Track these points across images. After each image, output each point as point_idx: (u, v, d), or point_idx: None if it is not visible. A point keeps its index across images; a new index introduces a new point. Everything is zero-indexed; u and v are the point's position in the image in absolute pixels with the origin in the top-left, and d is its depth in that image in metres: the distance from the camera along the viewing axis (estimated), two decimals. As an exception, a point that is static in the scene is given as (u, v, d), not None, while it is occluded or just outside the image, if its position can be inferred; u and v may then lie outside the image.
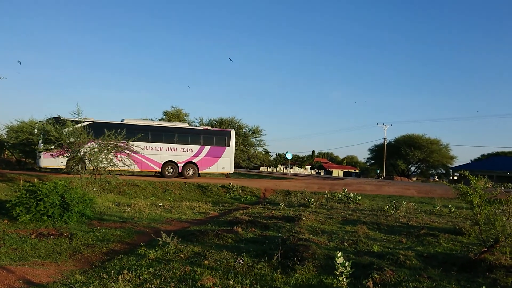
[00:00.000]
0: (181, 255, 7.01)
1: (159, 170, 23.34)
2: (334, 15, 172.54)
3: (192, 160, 24.25)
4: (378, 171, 60.86)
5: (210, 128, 27.65)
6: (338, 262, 5.54)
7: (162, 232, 7.83)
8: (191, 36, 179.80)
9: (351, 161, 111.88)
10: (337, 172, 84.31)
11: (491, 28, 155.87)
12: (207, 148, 24.68)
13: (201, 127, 27.84)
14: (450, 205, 15.11)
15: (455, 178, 58.73)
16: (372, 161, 72.90)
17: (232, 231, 9.13)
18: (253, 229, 9.72)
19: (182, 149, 23.90)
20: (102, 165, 16.36)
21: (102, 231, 9.30)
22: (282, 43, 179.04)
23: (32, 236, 8.36)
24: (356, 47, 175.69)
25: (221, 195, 19.77)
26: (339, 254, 5.66)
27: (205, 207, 15.48)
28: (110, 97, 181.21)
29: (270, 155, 75.82)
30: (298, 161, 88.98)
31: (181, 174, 24.10)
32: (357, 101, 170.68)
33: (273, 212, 13.07)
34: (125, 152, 17.61)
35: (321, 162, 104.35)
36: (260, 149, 35.25)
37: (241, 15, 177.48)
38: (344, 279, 5.48)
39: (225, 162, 25.29)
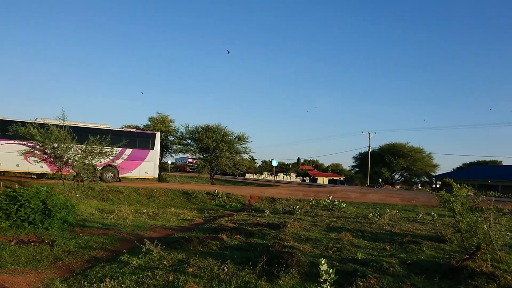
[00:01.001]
0: (165, 263, 6.94)
1: (75, 173, 20.25)
2: (319, 23, 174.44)
3: (112, 163, 22.33)
4: (380, 180, 61.14)
5: (133, 130, 26.18)
6: (322, 269, 5.55)
7: (145, 239, 7.74)
8: (178, 43, 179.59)
9: (336, 169, 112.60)
10: (322, 180, 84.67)
11: (472, 38, 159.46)
12: (128, 151, 23.24)
13: (123, 129, 26.05)
14: (432, 213, 15.29)
15: (438, 186, 59.58)
16: (357, 169, 73.63)
17: (216, 238, 9.09)
18: (238, 236, 9.69)
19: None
20: (86, 171, 16.18)
21: (84, 238, 9.15)
22: (267, 50, 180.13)
23: (12, 243, 8.17)
24: (341, 56, 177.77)
25: (206, 202, 19.68)
26: (323, 261, 5.67)
27: (190, 214, 15.38)
28: (97, 103, 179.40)
29: (255, 162, 75.78)
30: (283, 168, 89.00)
31: (100, 178, 21.61)
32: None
33: (258, 219, 13.05)
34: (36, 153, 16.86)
35: (306, 169, 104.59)
36: (245, 156, 35.22)
37: (228, 22, 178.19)
38: (328, 286, 5.48)
39: (149, 166, 24.13)
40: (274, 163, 41.76)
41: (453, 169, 74.62)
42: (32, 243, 8.30)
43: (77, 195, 16.80)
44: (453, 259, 7.75)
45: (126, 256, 7.31)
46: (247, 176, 68.57)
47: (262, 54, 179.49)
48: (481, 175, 57.04)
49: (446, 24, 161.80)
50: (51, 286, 5.67)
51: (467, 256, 7.31)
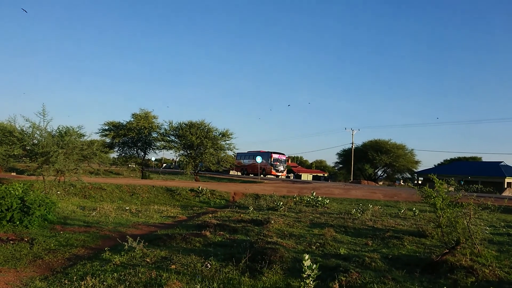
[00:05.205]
0: (148, 260, 6.88)
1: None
2: (302, 20, 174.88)
3: None
4: (462, 182, 53.32)
5: None
6: (305, 265, 5.57)
7: (128, 237, 7.67)
8: (162, 38, 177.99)
9: (320, 165, 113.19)
10: (306, 176, 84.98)
11: (456, 36, 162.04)
12: None
13: None
14: (414, 208, 15.50)
15: (420, 182, 60.50)
16: (341, 165, 74.12)
17: (200, 235, 9.06)
18: (222, 232, 9.67)
19: None
20: (68, 168, 15.91)
21: (65, 236, 9.01)
22: (252, 46, 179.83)
23: (-10, 242, 8.00)
24: (323, 53, 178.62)
25: (190, 199, 19.59)
26: (307, 257, 5.69)
27: (174, 211, 15.28)
28: (78, 98, 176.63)
29: (240, 158, 75.56)
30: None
31: None
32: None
33: (242, 215, 13.04)
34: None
35: (290, 166, 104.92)
36: (230, 153, 35.07)
37: (213, 20, 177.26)
38: (311, 282, 5.51)
39: None
40: (259, 160, 41.65)
41: (435, 165, 75.84)
42: (11, 241, 8.14)
43: (58, 192, 16.56)
44: (433, 253, 7.88)
45: (108, 254, 7.22)
46: (231, 172, 68.40)
47: (247, 50, 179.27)
48: (461, 171, 58.18)
49: (429, 23, 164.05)
50: (31, 285, 5.57)
51: (447, 251, 7.44)
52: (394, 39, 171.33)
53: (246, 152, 51.18)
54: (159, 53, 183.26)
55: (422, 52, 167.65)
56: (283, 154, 46.90)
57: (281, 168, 46.07)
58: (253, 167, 46.97)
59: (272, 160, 45.27)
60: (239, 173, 50.94)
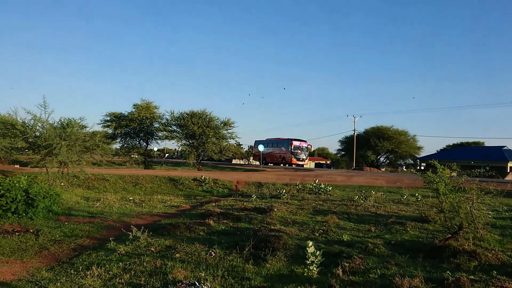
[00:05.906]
0: (152, 249, 6.94)
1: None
2: (303, 6, 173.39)
3: None
4: (488, 168, 54.28)
5: None
6: (308, 251, 5.62)
7: (132, 226, 7.72)
8: (163, 29, 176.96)
9: (322, 153, 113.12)
10: (309, 164, 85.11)
11: (456, 21, 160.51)
12: None
13: None
14: (417, 194, 15.49)
15: (422, 168, 60.48)
16: (343, 153, 74.11)
17: (204, 223, 9.12)
18: (225, 221, 9.73)
19: None
20: (71, 160, 15.95)
21: (70, 227, 9.08)
22: (253, 33, 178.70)
23: (-4, 234, 8.07)
24: (324, 38, 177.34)
25: (193, 188, 19.66)
26: (310, 243, 5.74)
27: (177, 200, 15.36)
28: (78, 90, 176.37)
29: (242, 147, 75.67)
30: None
31: None
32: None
33: (245, 204, 13.10)
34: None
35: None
36: (232, 142, 34.99)
37: (211, 9, 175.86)
38: (315, 268, 5.57)
39: None
40: (261, 148, 41.56)
41: (437, 150, 75.70)
42: (16, 233, 8.21)
43: (62, 183, 16.63)
44: (436, 238, 7.91)
45: (113, 244, 7.29)
46: (233, 161, 68.40)
47: (248, 37, 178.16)
48: (463, 156, 58.06)
49: (431, 6, 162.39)
50: (37, 275, 5.63)
51: (450, 235, 7.47)
52: (396, 25, 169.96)
53: (264, 139, 48.71)
54: (158, 44, 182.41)
55: (423, 37, 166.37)
56: (305, 141, 43.79)
57: (303, 156, 42.84)
58: (273, 155, 45.19)
59: (292, 147, 41.84)
60: (257, 162, 47.94)
